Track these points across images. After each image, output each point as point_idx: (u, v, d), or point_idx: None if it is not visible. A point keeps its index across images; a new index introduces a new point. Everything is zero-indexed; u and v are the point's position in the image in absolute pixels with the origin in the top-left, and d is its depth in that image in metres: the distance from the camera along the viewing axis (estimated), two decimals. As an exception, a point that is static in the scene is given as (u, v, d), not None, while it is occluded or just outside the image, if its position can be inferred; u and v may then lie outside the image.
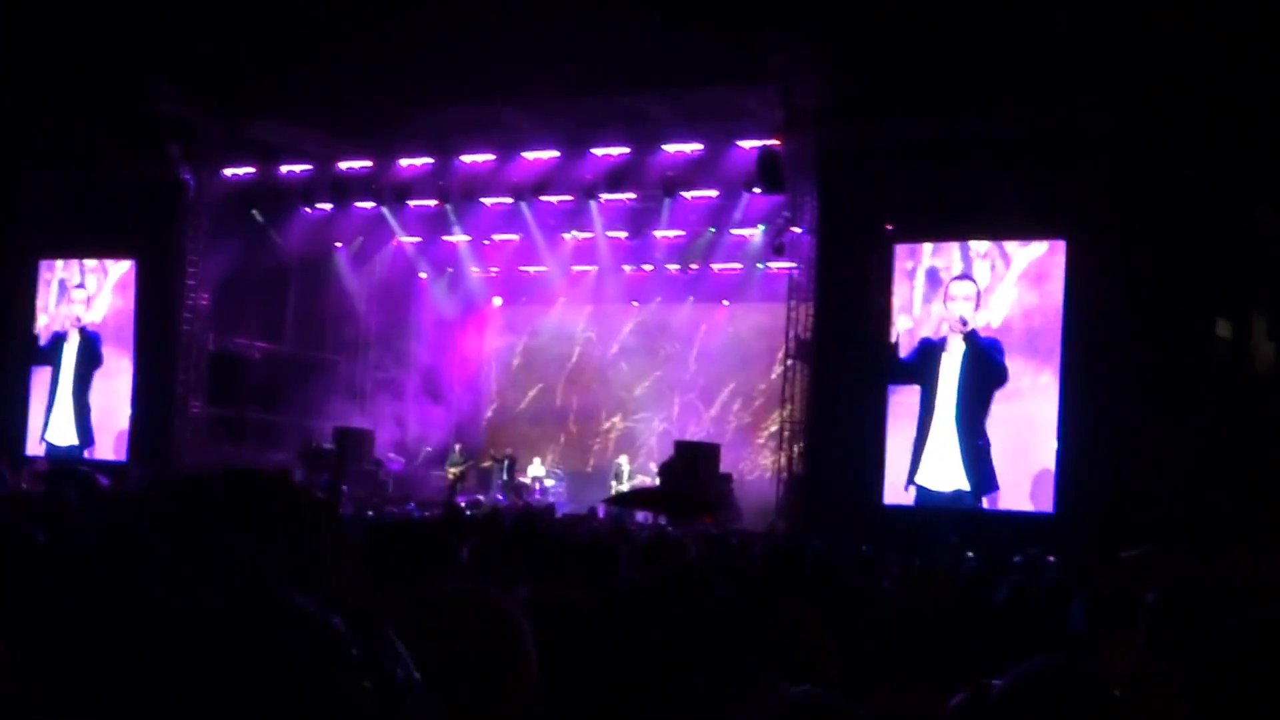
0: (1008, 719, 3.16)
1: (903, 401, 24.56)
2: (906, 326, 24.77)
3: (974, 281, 24.27)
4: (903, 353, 24.66)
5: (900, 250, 25.06)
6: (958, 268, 24.44)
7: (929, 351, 24.41)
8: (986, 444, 23.76)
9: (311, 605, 1.36)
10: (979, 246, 24.32)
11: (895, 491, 24.47)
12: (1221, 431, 21.90)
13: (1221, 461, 21.74)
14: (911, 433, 24.43)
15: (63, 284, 32.93)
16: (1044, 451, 23.40)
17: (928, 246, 24.75)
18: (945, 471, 24.04)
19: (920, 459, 24.27)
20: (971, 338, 24.14)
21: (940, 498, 23.94)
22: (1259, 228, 22.55)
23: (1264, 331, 23.04)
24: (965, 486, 23.85)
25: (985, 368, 23.93)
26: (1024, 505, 23.37)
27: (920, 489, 24.22)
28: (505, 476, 31.91)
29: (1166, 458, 22.03)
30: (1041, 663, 3.23)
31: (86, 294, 32.58)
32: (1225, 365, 22.79)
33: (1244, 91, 21.77)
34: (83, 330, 32.48)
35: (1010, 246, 24.09)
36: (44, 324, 33.12)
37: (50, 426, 32.41)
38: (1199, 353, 22.78)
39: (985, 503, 23.66)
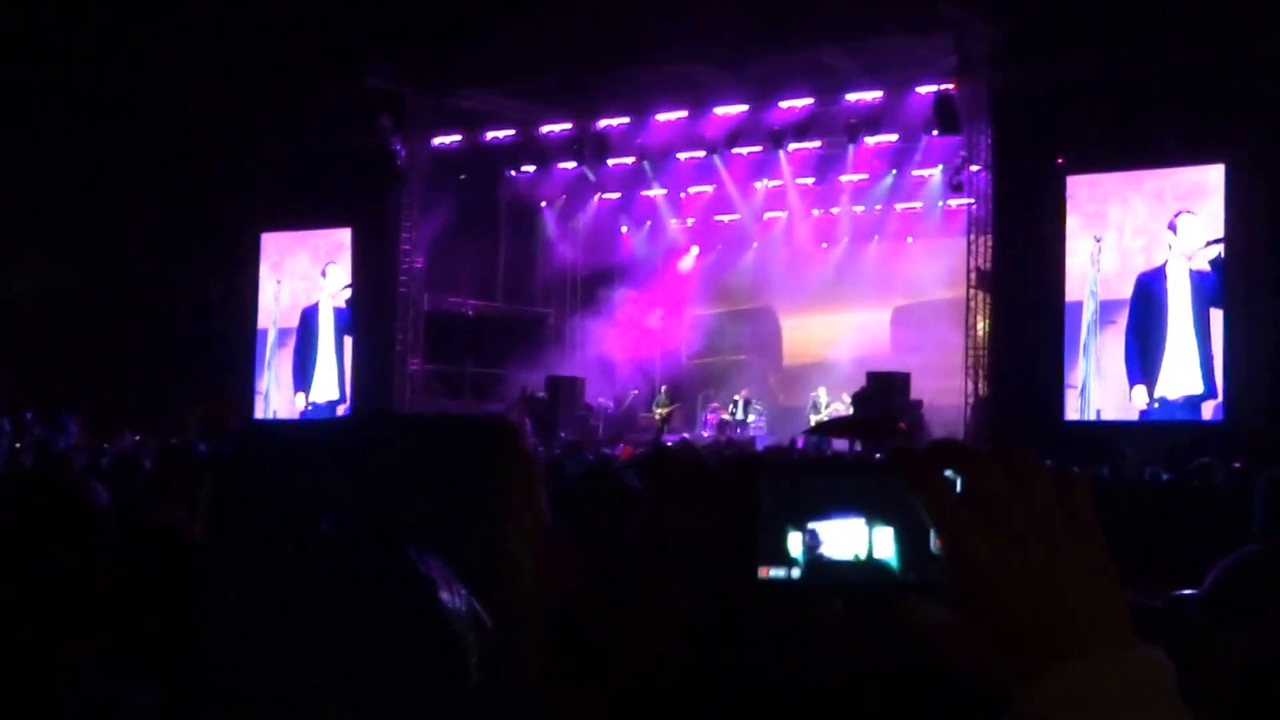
0: (1220, 600, 3.19)
1: (1119, 326, 25.18)
2: (1114, 265, 25.28)
3: (1195, 215, 24.52)
4: (1114, 294, 25.13)
5: (1109, 181, 25.59)
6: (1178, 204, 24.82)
7: (1149, 283, 24.79)
8: (1212, 354, 24.09)
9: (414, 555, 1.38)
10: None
11: (1116, 407, 24.94)
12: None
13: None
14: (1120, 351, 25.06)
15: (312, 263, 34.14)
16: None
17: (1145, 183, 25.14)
18: (1183, 379, 24.33)
19: (1158, 375, 24.57)
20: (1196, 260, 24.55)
21: (1174, 406, 24.33)
22: None
23: None
24: (1199, 390, 24.16)
25: (1209, 287, 24.26)
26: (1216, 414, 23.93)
27: (1161, 400, 24.53)
28: (740, 415, 31.95)
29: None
30: (1244, 551, 3.28)
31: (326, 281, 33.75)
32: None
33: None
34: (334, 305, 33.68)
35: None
36: (287, 304, 34.27)
37: (314, 388, 33.51)
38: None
39: (1206, 411, 24.05)
